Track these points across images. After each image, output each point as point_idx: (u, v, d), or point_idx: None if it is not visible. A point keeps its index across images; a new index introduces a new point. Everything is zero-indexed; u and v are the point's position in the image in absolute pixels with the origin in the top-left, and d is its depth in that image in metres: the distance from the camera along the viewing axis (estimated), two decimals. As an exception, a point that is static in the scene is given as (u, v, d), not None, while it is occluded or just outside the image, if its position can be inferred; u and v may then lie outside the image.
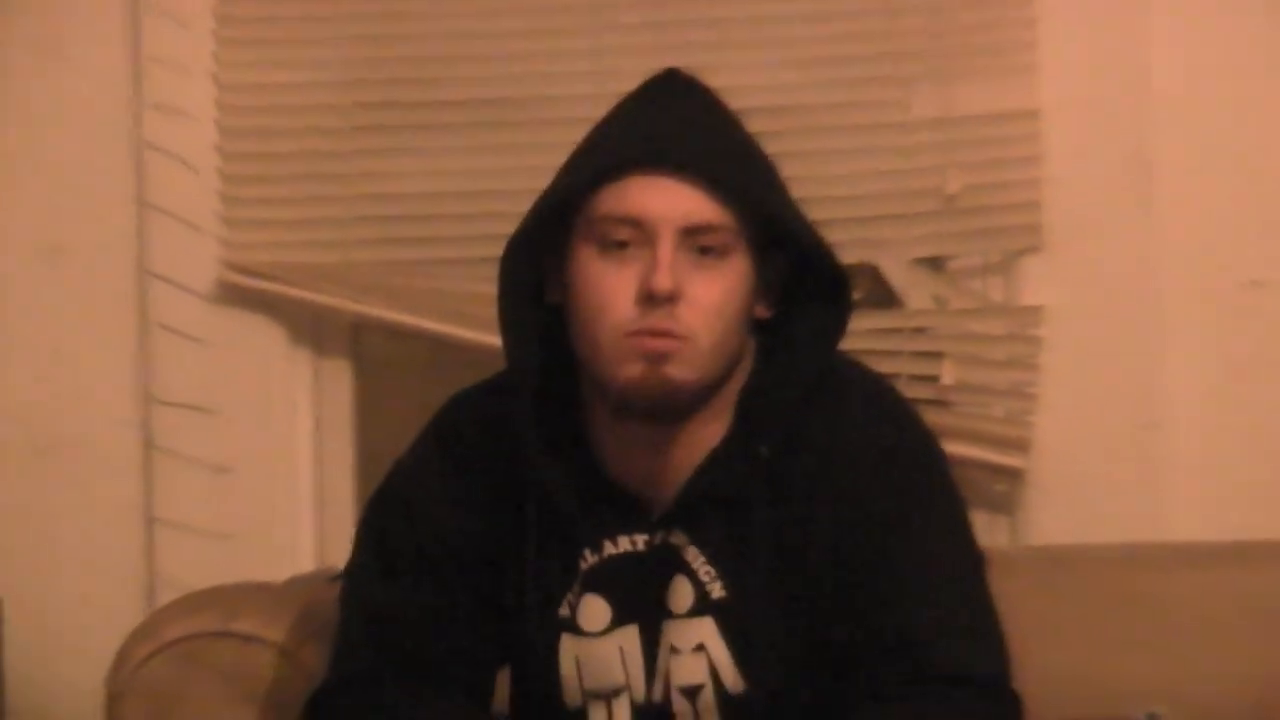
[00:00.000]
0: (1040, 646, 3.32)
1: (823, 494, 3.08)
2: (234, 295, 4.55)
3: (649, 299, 2.90)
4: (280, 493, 4.59)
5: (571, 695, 3.10)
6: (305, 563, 4.44)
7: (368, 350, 4.76)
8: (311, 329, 4.62)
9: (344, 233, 4.58)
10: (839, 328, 3.08)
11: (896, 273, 4.28)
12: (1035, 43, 4.40)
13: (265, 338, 4.53)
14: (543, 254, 3.05)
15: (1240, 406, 4.37)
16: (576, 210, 2.97)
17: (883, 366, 3.75)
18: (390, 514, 3.29)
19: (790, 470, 3.09)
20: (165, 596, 4.24)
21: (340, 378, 4.58)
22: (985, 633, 3.06)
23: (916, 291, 4.34)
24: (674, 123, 3.13)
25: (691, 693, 3.10)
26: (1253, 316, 4.37)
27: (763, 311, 3.02)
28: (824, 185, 4.04)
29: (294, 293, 4.51)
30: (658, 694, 3.10)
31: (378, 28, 4.67)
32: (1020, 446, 4.19)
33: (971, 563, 3.11)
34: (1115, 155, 4.39)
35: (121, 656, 3.55)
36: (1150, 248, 4.33)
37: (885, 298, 4.37)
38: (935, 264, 4.34)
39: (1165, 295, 4.32)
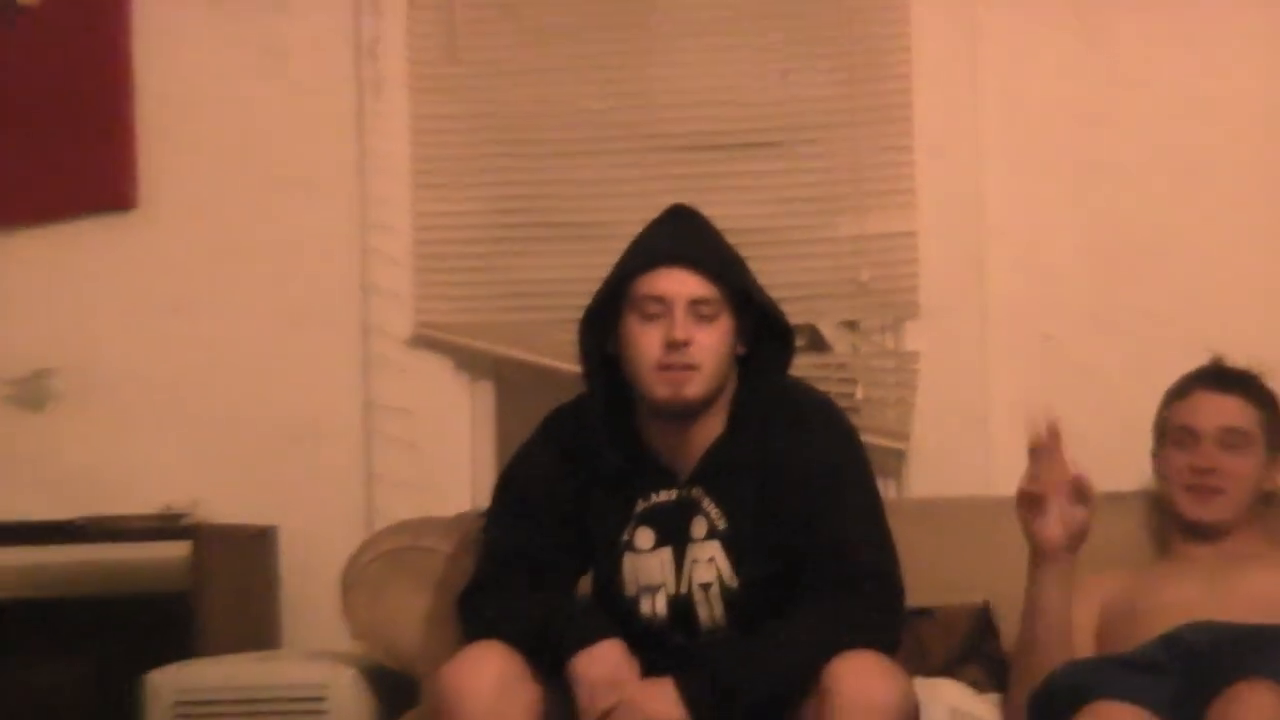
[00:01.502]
0: (911, 558, 4.59)
1: (785, 462, 4.54)
2: (421, 341, 6.21)
3: (671, 345, 4.37)
4: (449, 461, 6.19)
5: (629, 589, 4.53)
6: (463, 506, 5.67)
7: (505, 376, 6.28)
8: (469, 362, 6.28)
9: (492, 303, 6.28)
10: (788, 360, 4.64)
11: (828, 330, 5.94)
12: (913, 190, 6.03)
13: (440, 367, 6.18)
14: (604, 320, 4.57)
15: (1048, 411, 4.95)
16: (624, 293, 4.49)
17: (819, 387, 5.10)
18: (512, 479, 4.84)
19: (764, 449, 4.52)
20: (379, 525, 5.73)
21: (486, 394, 6.24)
22: (885, 548, 4.48)
23: (840, 342, 5.98)
24: (682, 236, 4.61)
25: (705, 587, 4.51)
26: (1044, 356, 5.94)
27: (740, 349, 4.51)
28: (783, 275, 5.38)
29: (459, 340, 6.18)
30: (683, 588, 4.53)
31: (518, 171, 6.33)
32: (903, 436, 5.78)
33: (877, 506, 4.58)
34: (960, 258, 5.98)
35: (351, 562, 5.19)
36: (982, 315, 5.90)
37: (821, 345, 5.93)
38: (852, 325, 5.96)
39: (990, 344, 5.90)
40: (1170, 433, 5.08)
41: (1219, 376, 5.14)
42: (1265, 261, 5.88)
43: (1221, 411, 5.05)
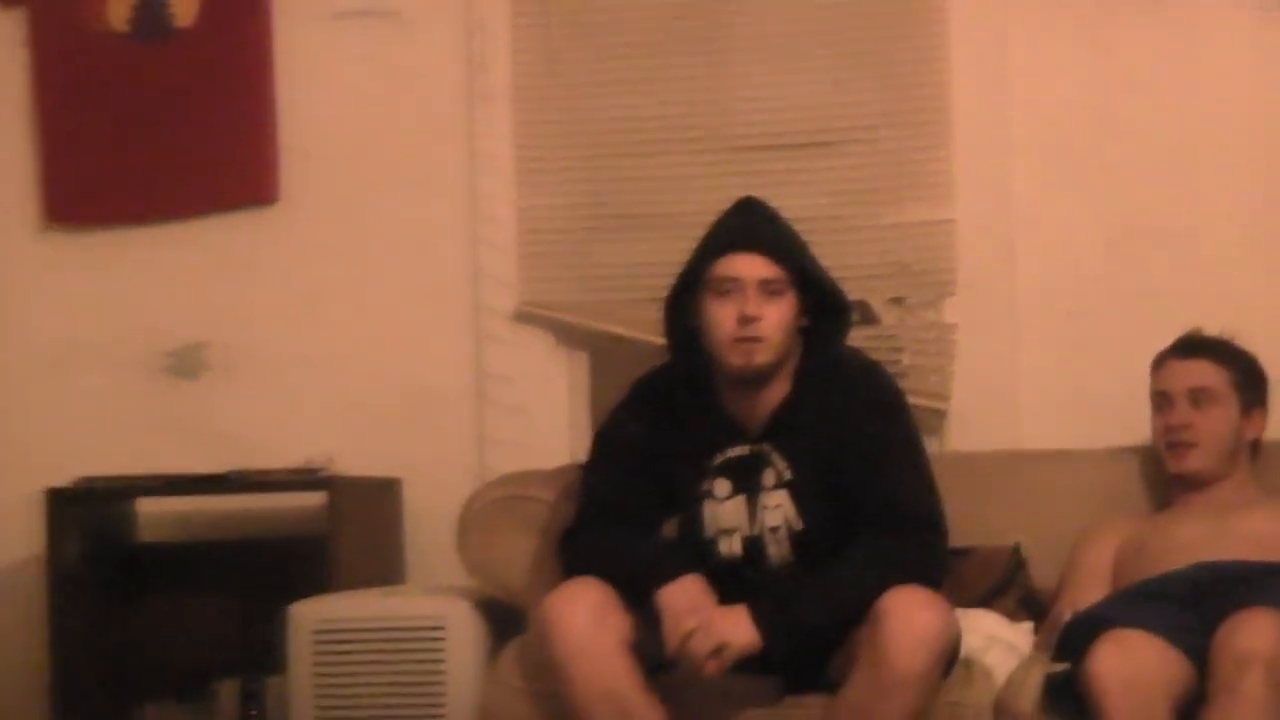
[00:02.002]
0: (952, 504, 4.84)
1: (843, 421, 4.77)
2: (524, 317, 6.33)
3: (743, 320, 4.64)
4: (549, 422, 6.30)
5: (709, 532, 4.80)
6: (562, 461, 5.79)
7: (597, 348, 6.39)
8: (566, 336, 6.39)
9: (585, 284, 6.38)
10: (844, 332, 4.90)
11: (878, 305, 6.06)
12: (951, 184, 6.11)
13: (540, 340, 6.30)
14: (684, 298, 4.85)
15: (1071, 377, 5.91)
16: (701, 275, 4.75)
17: (871, 355, 5.29)
18: (606, 436, 5.10)
19: (824, 409, 4.76)
20: (488, 477, 5.79)
21: (581, 363, 6.38)
22: (929, 496, 4.74)
23: (888, 315, 6.09)
24: (750, 224, 4.89)
25: (774, 530, 4.78)
26: (1066, 329, 5.99)
27: (803, 322, 4.75)
28: (838, 258, 5.35)
29: (557, 316, 6.31)
30: (755, 530, 4.79)
31: (607, 169, 6.41)
32: (943, 398, 5.90)
33: (922, 459, 4.82)
34: (992, 242, 6.06)
35: (465, 508, 5.37)
36: (1011, 293, 5.98)
37: (871, 318, 6.04)
38: (898, 301, 6.07)
39: (1019, 318, 5.98)
40: (1152, 399, 5.23)
41: (1186, 344, 5.25)
42: (1254, 246, 5.96)
43: (1188, 374, 5.16)
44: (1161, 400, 5.17)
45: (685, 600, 4.70)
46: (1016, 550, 5.21)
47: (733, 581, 4.77)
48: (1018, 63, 6.05)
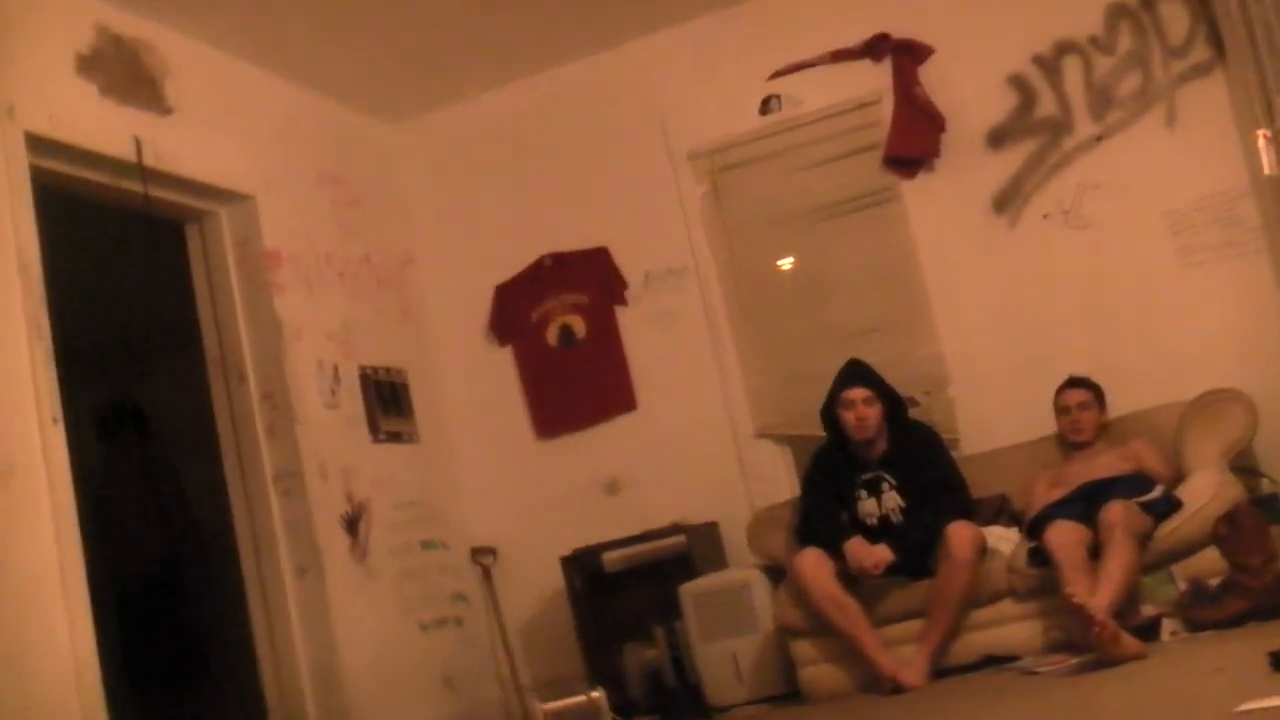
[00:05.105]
0: (972, 478, 5.43)
1: (915, 453, 5.45)
2: (760, 434, 6.34)
3: (859, 420, 5.45)
4: (777, 479, 6.28)
5: (861, 515, 5.39)
6: (788, 495, 5.99)
7: (795, 442, 6.28)
8: (778, 439, 6.38)
9: (785, 415, 6.28)
10: (906, 412, 5.62)
11: (918, 395, 5.95)
12: (939, 335, 6.15)
13: (767, 444, 6.38)
14: (830, 409, 5.54)
15: (1012, 407, 5.90)
16: (836, 397, 5.50)
17: (918, 418, 5.79)
18: (808, 475, 5.63)
19: (906, 449, 5.46)
20: (758, 507, 6.00)
21: (788, 450, 6.35)
22: (960, 478, 5.41)
23: (923, 400, 5.98)
24: (854, 371, 5.54)
25: (892, 510, 5.40)
26: (1012, 401, 5.91)
27: (886, 413, 5.47)
28: (895, 377, 5.61)
29: (775, 431, 6.35)
30: (883, 512, 5.40)
31: (786, 363, 6.36)
32: (953, 433, 5.94)
33: (955, 465, 5.49)
34: (962, 359, 6.08)
35: (750, 524, 5.86)
36: (976, 380, 6.03)
37: (915, 403, 5.88)
38: (926, 392, 6.02)
39: (984, 394, 5.99)
40: (1057, 409, 5.63)
41: (1071, 382, 5.62)
42: (1083, 342, 5.94)
43: (1075, 396, 5.58)
44: (1063, 410, 5.59)
45: (855, 546, 5.29)
46: (1003, 496, 5.65)
47: (874, 538, 5.34)
48: (959, 274, 6.19)
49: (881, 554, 5.22)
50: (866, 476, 5.52)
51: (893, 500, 5.47)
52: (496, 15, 6.17)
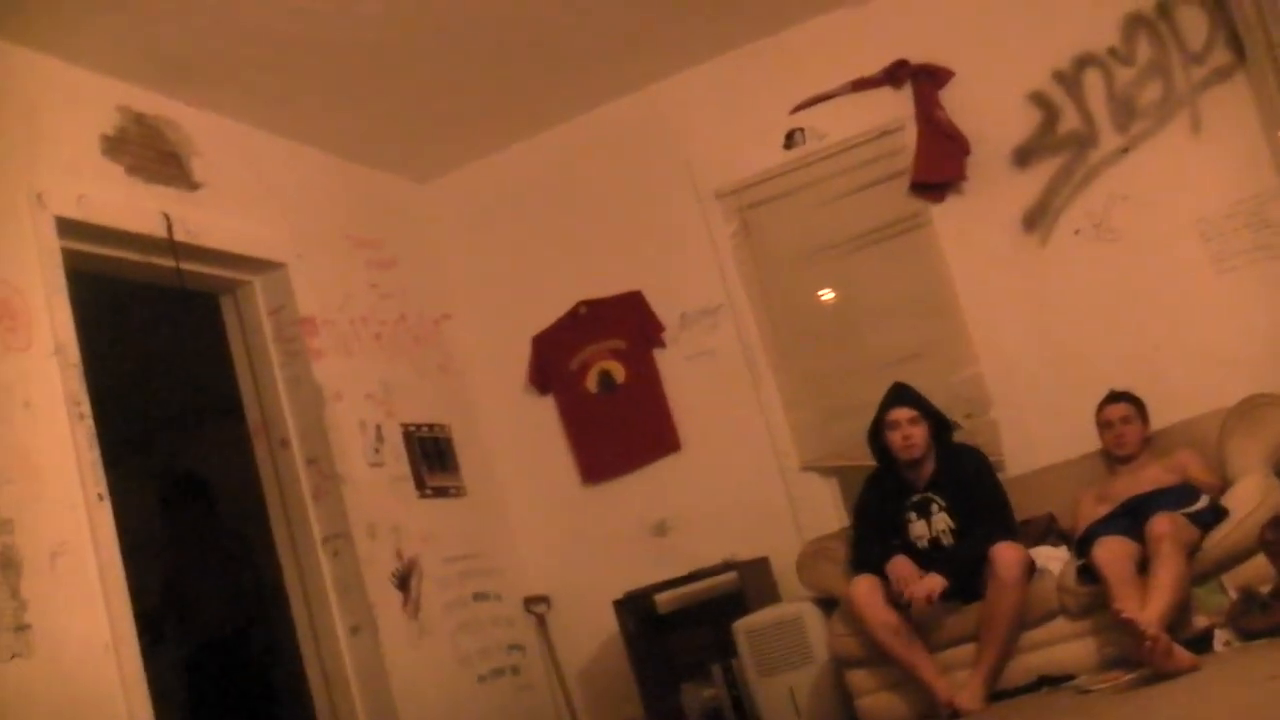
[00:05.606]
0: (1017, 498, 5.44)
1: (963, 474, 5.44)
2: (806, 468, 6.35)
3: (905, 440, 5.45)
4: (824, 513, 6.29)
5: (911, 538, 5.39)
6: (835, 527, 6.03)
7: (842, 474, 6.30)
8: (824, 471, 6.37)
9: (832, 446, 6.29)
10: (951, 434, 5.61)
11: (959, 419, 5.81)
12: (977, 358, 6.14)
13: (811, 476, 6.38)
14: (877, 433, 5.52)
15: (1053, 426, 5.92)
16: (882, 420, 5.50)
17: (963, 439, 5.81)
18: (860, 503, 5.59)
19: (953, 470, 5.44)
20: (807, 538, 5.94)
21: (834, 482, 6.37)
22: (1005, 499, 5.40)
23: (965, 422, 5.91)
24: (899, 393, 5.55)
25: (942, 532, 5.39)
26: (1052, 423, 5.91)
27: (932, 434, 5.46)
28: (941, 400, 5.64)
29: (818, 464, 6.34)
30: (933, 534, 5.39)
31: (827, 397, 6.37)
32: (998, 455, 5.96)
33: (1000, 485, 5.48)
34: (1002, 381, 6.09)
35: (800, 556, 5.74)
36: (1019, 403, 6.04)
37: (958, 425, 5.74)
38: (969, 416, 5.99)
39: (1025, 412, 6.00)
40: (1100, 424, 5.63)
41: (1113, 396, 5.62)
42: (1117, 357, 5.93)
43: (1118, 411, 5.57)
44: (1106, 425, 5.58)
45: (900, 565, 5.27)
46: (1051, 515, 5.64)
47: (926, 559, 5.35)
48: (993, 294, 6.20)
49: (932, 583, 5.19)
50: (915, 499, 5.53)
51: (943, 522, 5.47)
52: (514, 69, 6.21)
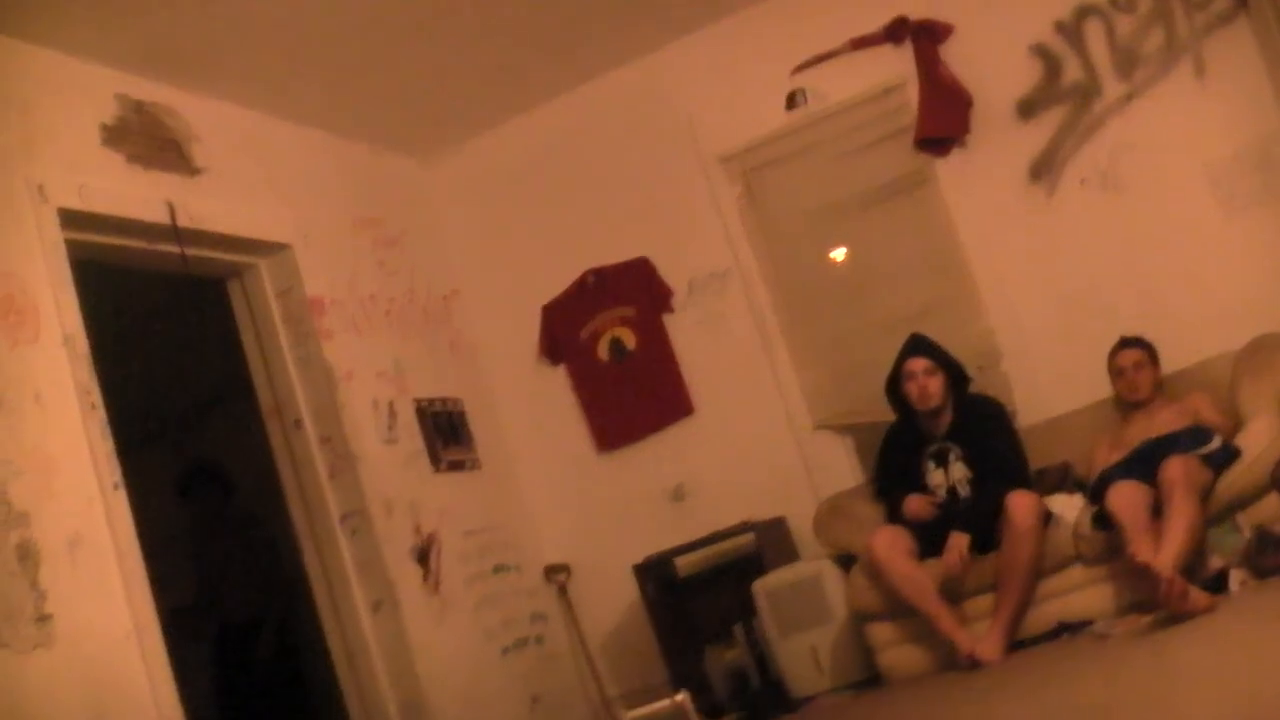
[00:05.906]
0: (1033, 447, 5.53)
1: (981, 423, 5.52)
2: (819, 426, 6.34)
3: (921, 390, 5.54)
4: (839, 471, 6.29)
5: (930, 486, 5.48)
6: (850, 483, 6.07)
7: (857, 429, 6.29)
8: (838, 430, 6.38)
9: (847, 403, 6.29)
10: (967, 385, 5.66)
11: (972, 370, 5.75)
12: (987, 312, 6.21)
13: (826, 435, 6.39)
14: (895, 384, 5.62)
15: (1065, 375, 5.93)
16: (900, 371, 5.59)
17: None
18: (880, 454, 5.74)
19: (971, 420, 5.53)
20: (823, 497, 5.94)
21: (850, 440, 6.38)
22: (1020, 449, 5.49)
23: (978, 374, 5.87)
24: (918, 344, 5.63)
25: (960, 481, 5.49)
26: (1063, 380, 5.91)
27: (948, 384, 5.54)
28: (958, 350, 5.66)
29: (831, 422, 6.35)
30: (951, 482, 5.50)
31: (840, 358, 6.38)
32: (1011, 404, 5.92)
33: (1017, 434, 5.57)
34: (1011, 333, 6.10)
35: (816, 514, 5.78)
36: (1027, 352, 6.05)
37: (972, 377, 5.69)
38: (982, 367, 5.94)
39: (1043, 371, 5.98)
40: (1112, 371, 5.64)
41: (1125, 342, 5.63)
42: (1130, 302, 5.95)
43: (1130, 356, 5.58)
44: (1118, 371, 5.59)
45: (912, 502, 5.44)
46: (1066, 464, 5.64)
47: (943, 509, 5.44)
48: (1001, 247, 6.19)
49: (958, 543, 5.21)
50: (934, 448, 5.60)
51: (960, 471, 5.52)
52: (512, 42, 6.20)
